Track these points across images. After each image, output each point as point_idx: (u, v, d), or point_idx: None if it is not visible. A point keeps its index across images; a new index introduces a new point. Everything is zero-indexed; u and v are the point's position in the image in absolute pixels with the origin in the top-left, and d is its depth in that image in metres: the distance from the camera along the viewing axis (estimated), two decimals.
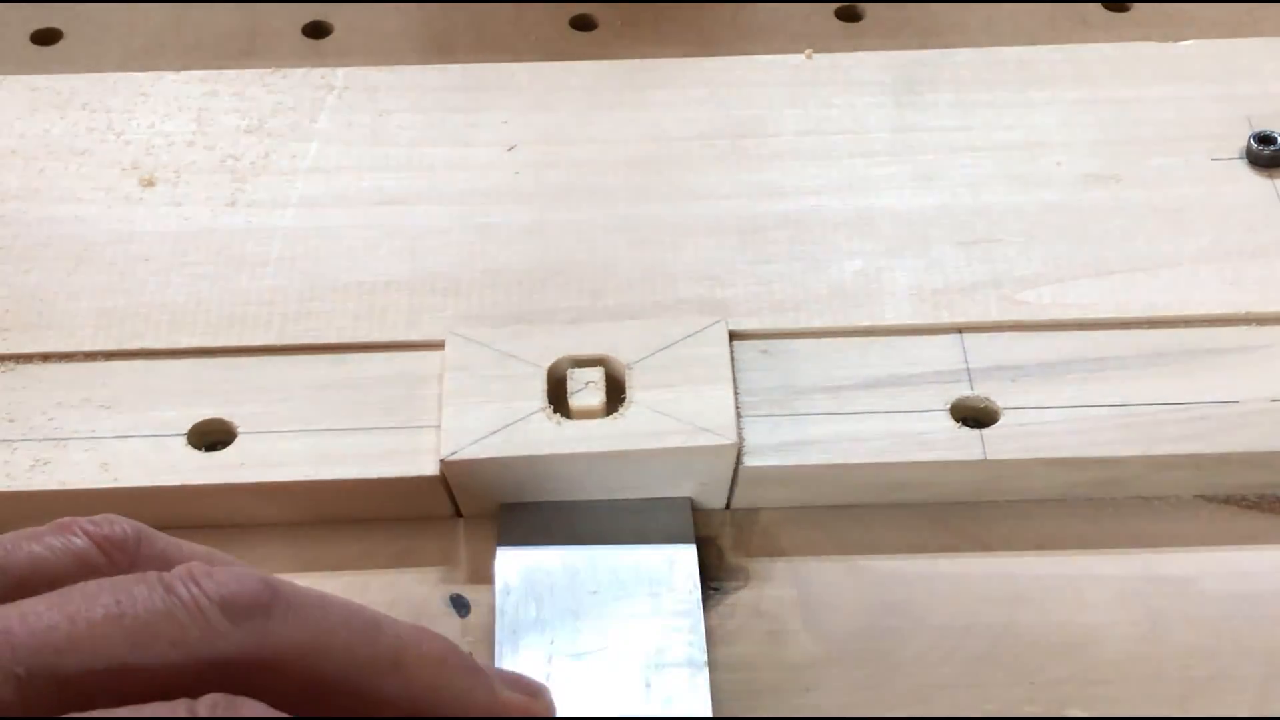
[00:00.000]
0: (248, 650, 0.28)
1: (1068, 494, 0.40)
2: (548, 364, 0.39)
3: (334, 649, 0.29)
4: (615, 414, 0.38)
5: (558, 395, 0.39)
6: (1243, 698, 0.35)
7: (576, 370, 0.39)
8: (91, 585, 0.29)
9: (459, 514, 0.40)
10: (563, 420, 0.38)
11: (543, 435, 0.37)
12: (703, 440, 0.37)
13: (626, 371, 0.39)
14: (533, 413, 0.38)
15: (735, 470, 0.38)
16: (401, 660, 0.30)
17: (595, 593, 0.36)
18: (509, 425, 0.38)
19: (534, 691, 0.33)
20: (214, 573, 0.29)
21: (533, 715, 0.32)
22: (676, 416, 0.38)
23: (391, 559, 0.39)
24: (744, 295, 0.43)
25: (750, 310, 0.42)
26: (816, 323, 0.42)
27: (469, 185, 0.46)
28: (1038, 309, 0.42)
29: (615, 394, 0.39)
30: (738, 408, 0.39)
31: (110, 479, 0.38)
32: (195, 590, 0.28)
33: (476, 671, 0.32)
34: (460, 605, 0.38)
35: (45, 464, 0.39)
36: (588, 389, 0.38)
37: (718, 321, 0.40)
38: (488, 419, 0.38)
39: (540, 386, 0.38)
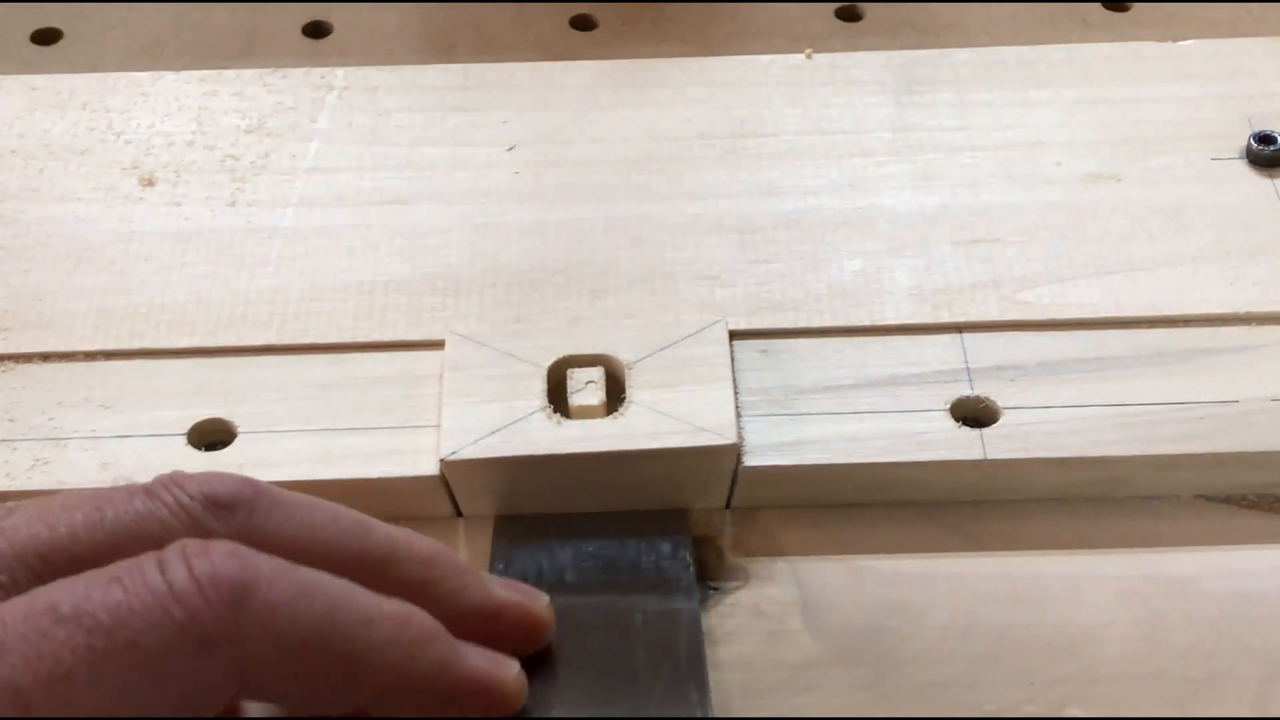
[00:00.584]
0: None
1: (1068, 494, 0.40)
2: (548, 364, 0.39)
3: (322, 544, 0.29)
4: (615, 414, 0.38)
5: (558, 395, 0.39)
6: (1243, 698, 0.35)
7: (576, 370, 0.39)
8: (73, 495, 0.29)
9: (459, 514, 0.40)
10: (562, 420, 0.38)
11: (542, 435, 0.37)
12: (702, 440, 0.37)
13: (626, 371, 0.39)
14: (532, 412, 0.38)
15: (735, 470, 0.38)
16: (392, 558, 0.30)
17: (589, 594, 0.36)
18: (509, 425, 0.38)
19: (530, 593, 0.33)
20: (195, 475, 0.28)
21: (531, 614, 0.32)
22: (676, 416, 0.38)
23: None
24: (744, 295, 0.43)
25: (750, 310, 0.42)
26: (816, 323, 0.42)
27: (469, 185, 0.46)
28: (1038, 309, 0.42)
29: (615, 393, 0.39)
30: (738, 407, 0.39)
31: (110, 479, 0.38)
32: (177, 491, 0.28)
33: (469, 572, 0.31)
34: None
35: (45, 464, 0.39)
36: (587, 389, 0.38)
37: (718, 321, 0.40)
38: (487, 419, 0.38)
39: (540, 386, 0.39)
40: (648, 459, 0.37)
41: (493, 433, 0.37)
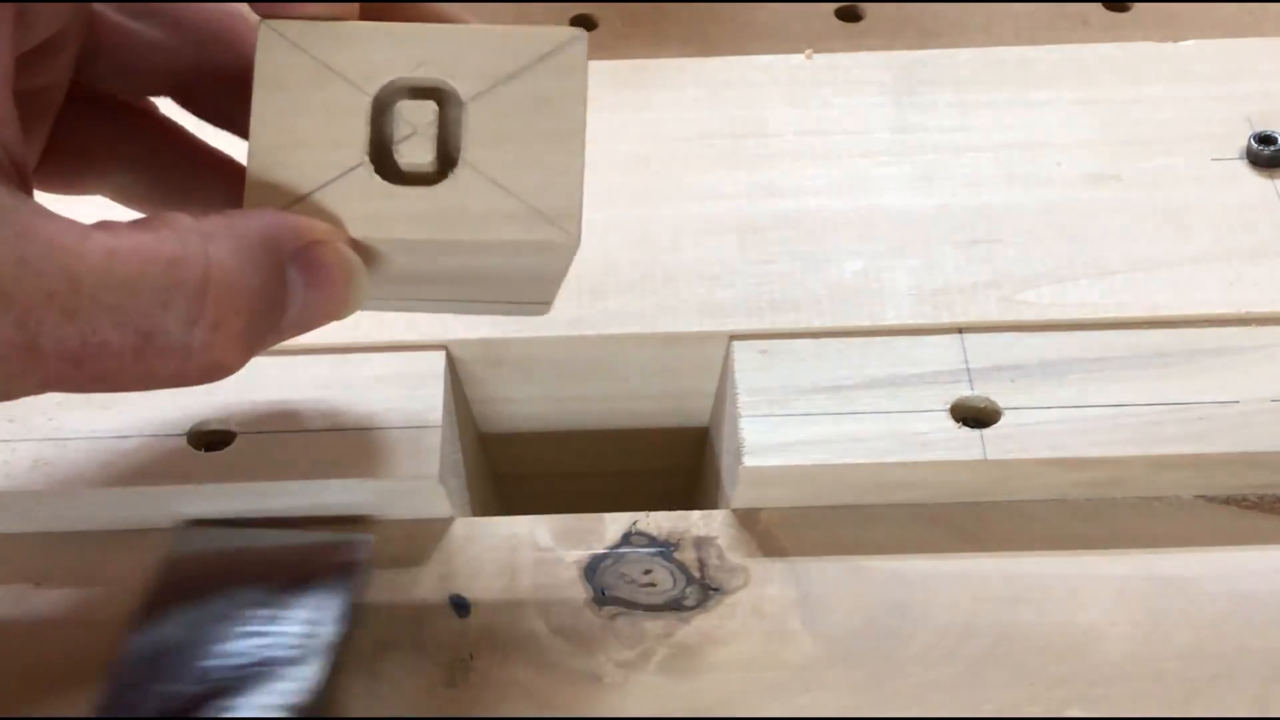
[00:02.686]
0: None
1: (1068, 494, 0.40)
2: (374, 90, 0.32)
3: None
4: (446, 180, 0.31)
5: (380, 141, 0.32)
6: (1243, 698, 0.35)
7: (405, 106, 0.32)
8: None
9: (459, 514, 0.40)
10: (386, 187, 0.31)
11: (361, 208, 0.31)
12: (539, 234, 0.31)
13: (463, 112, 0.32)
14: (353, 167, 0.31)
15: (736, 473, 0.38)
16: None
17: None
18: (324, 186, 0.31)
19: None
20: None
21: None
22: (514, 193, 0.31)
23: (391, 559, 0.39)
24: (744, 295, 0.43)
25: (750, 310, 0.42)
26: (816, 323, 0.42)
27: None
28: (1038, 309, 0.42)
29: (447, 142, 0.32)
30: (582, 187, 0.32)
31: (110, 479, 0.38)
32: None
33: None
34: (460, 606, 0.38)
35: (45, 464, 0.39)
36: (416, 139, 0.31)
37: (577, 36, 0.32)
38: (299, 172, 0.31)
39: (363, 126, 0.31)
40: (477, 248, 0.32)
41: (304, 197, 0.31)
